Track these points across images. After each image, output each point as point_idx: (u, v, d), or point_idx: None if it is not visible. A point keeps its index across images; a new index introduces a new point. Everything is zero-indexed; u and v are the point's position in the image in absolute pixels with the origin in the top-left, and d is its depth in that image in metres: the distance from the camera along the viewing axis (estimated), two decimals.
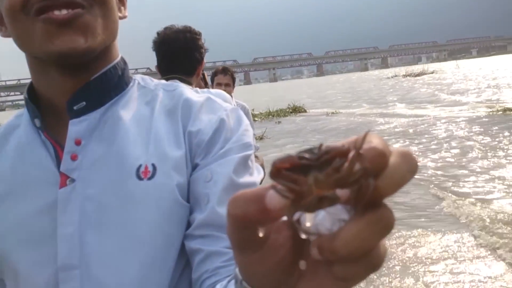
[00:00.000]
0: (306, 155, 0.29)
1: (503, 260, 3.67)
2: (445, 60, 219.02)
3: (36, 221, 0.75)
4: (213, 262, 0.71)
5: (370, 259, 0.30)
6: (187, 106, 0.82)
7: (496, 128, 9.49)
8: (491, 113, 11.77)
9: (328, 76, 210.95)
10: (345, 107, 19.13)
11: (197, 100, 0.83)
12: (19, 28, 0.73)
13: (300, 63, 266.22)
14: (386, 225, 0.29)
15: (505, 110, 11.72)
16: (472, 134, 9.26)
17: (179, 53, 2.17)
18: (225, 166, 0.76)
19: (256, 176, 0.82)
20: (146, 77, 0.90)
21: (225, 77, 3.71)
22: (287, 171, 0.29)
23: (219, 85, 3.63)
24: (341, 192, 0.29)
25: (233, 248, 0.34)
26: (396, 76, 51.36)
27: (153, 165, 0.75)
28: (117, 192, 0.74)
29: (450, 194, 5.54)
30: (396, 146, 8.72)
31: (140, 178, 0.74)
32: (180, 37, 2.18)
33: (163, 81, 0.90)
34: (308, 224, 0.30)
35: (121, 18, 0.82)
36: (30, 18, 0.70)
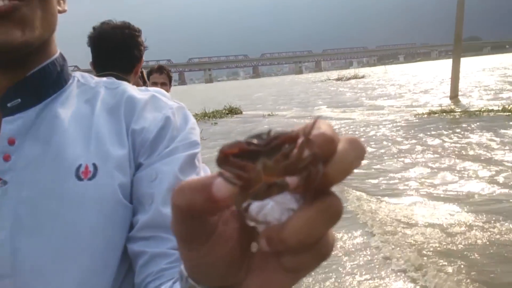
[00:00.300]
0: (255, 141, 0.28)
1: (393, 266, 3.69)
2: (374, 65, 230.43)
3: None
4: (157, 264, 0.69)
5: (320, 248, 0.30)
6: (131, 103, 0.79)
7: (413, 131, 10.05)
8: (416, 116, 12.47)
9: (264, 78, 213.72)
10: (279, 110, 19.50)
11: (141, 97, 0.81)
12: None
13: (236, 65, 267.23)
14: (335, 213, 0.29)
15: (430, 112, 12.46)
16: (391, 136, 9.77)
17: (116, 50, 2.11)
18: (171, 165, 0.74)
19: (203, 175, 0.77)
20: (86, 74, 0.87)
21: (160, 76, 3.65)
22: (234, 157, 0.28)
23: (154, 84, 3.56)
24: (290, 180, 0.28)
25: (178, 242, 0.33)
26: (329, 79, 53.22)
27: (94, 164, 0.72)
28: (54, 194, 0.70)
29: (355, 191, 5.74)
30: None
31: (80, 179, 0.71)
32: (118, 33, 2.11)
33: (104, 79, 0.87)
34: (256, 215, 0.30)
35: (60, 12, 0.79)
36: None
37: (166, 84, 3.66)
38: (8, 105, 0.72)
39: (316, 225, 0.28)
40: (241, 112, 19.61)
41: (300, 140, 0.27)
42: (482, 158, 6.84)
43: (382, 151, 8.33)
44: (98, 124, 0.76)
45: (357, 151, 0.29)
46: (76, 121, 0.76)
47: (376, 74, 60.82)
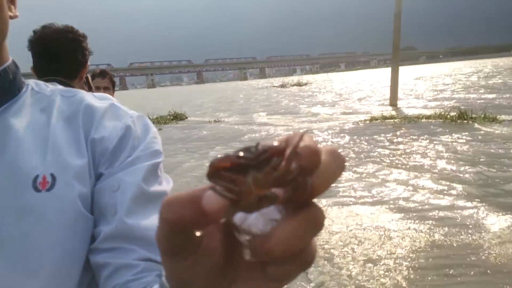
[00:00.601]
0: (244, 154, 0.28)
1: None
2: (317, 72, 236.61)
3: None
4: (122, 276, 0.67)
5: (303, 257, 0.30)
6: (89, 112, 0.78)
7: (356, 136, 10.26)
8: (360, 122, 12.80)
9: (208, 83, 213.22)
10: (221, 116, 19.40)
11: (99, 106, 0.79)
12: None
13: (179, 70, 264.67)
14: (318, 223, 0.29)
15: (372, 119, 12.81)
16: (334, 142, 10.00)
17: (59, 55, 2.02)
18: (134, 175, 0.73)
19: (166, 185, 0.79)
20: (41, 82, 0.84)
21: (103, 80, 3.53)
22: (224, 171, 0.28)
23: (97, 89, 3.39)
24: (277, 192, 0.29)
25: (164, 255, 0.33)
26: (273, 86, 53.94)
27: (52, 175, 0.70)
28: (10, 206, 0.67)
29: None
30: None
31: (37, 190, 0.68)
32: (61, 37, 2.03)
33: (60, 87, 0.84)
34: (240, 226, 0.30)
35: (11, 17, 0.76)
36: None
37: (109, 89, 3.54)
38: None
39: (300, 235, 0.29)
40: (186, 118, 19.32)
41: (287, 153, 0.28)
42: (416, 163, 7.10)
43: None
44: (54, 133, 0.74)
45: (338, 161, 0.30)
46: (31, 131, 0.74)
47: (317, 81, 62.45)
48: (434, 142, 8.65)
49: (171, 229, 0.30)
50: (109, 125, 0.77)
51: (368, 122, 12.50)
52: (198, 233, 0.31)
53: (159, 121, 18.20)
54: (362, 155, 8.07)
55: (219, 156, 0.29)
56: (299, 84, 50.59)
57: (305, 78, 72.46)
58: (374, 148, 8.63)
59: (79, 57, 2.10)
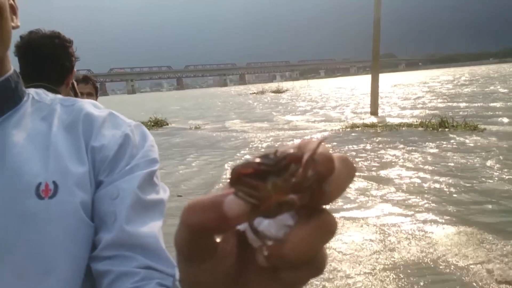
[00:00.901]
0: (264, 161, 0.30)
1: None
2: (297, 79, 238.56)
3: None
4: (123, 283, 0.68)
5: (316, 263, 0.31)
6: (89, 121, 0.79)
7: (336, 143, 10.34)
8: (341, 129, 12.90)
9: (188, 90, 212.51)
10: (203, 123, 19.31)
11: (98, 114, 0.81)
12: None
13: (159, 76, 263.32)
14: (331, 229, 0.30)
15: (352, 126, 12.94)
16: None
17: (46, 60, 2.03)
18: (132, 183, 0.75)
19: (162, 193, 0.80)
20: (41, 91, 0.85)
21: (86, 86, 3.50)
22: (245, 177, 0.29)
23: (80, 95, 3.32)
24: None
25: (181, 258, 0.33)
26: (254, 93, 54.03)
27: (54, 182, 0.71)
28: (14, 213, 0.68)
29: None
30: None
31: (40, 197, 0.70)
32: (48, 42, 2.02)
33: (60, 96, 0.86)
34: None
35: (14, 28, 0.78)
36: None
37: (92, 95, 3.51)
38: None
39: (314, 241, 0.29)
40: (167, 124, 19.15)
41: (304, 160, 0.29)
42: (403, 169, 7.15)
43: None
44: (56, 141, 0.76)
45: (349, 169, 0.31)
46: (33, 139, 0.75)
47: (296, 88, 62.74)
48: (414, 151, 8.73)
49: (192, 234, 0.30)
50: (108, 133, 0.79)
51: (348, 129, 12.58)
52: (217, 238, 0.31)
53: None
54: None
55: (240, 162, 0.30)
56: (278, 91, 50.67)
57: (284, 85, 72.77)
58: (353, 157, 8.67)
59: (66, 63, 2.10)
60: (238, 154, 10.03)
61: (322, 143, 0.30)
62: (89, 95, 3.43)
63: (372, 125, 12.76)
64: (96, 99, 3.56)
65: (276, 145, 10.59)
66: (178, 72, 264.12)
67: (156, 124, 19.09)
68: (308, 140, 0.31)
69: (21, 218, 0.68)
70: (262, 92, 51.25)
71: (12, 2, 0.80)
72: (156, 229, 0.75)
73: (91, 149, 0.76)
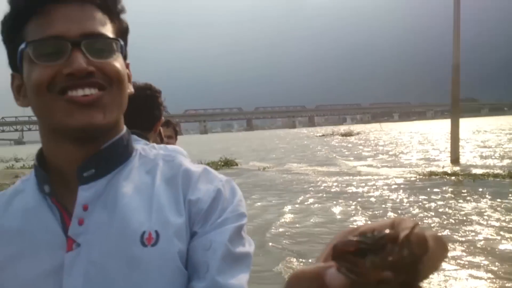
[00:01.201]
0: (364, 240, 0.32)
1: None
2: (368, 122, 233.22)
3: (42, 284, 0.75)
4: None
5: None
6: (187, 176, 0.85)
7: (415, 191, 9.74)
8: (418, 177, 12.22)
9: (257, 131, 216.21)
10: (278, 164, 19.23)
11: (195, 170, 0.87)
12: (41, 102, 0.78)
13: (230, 117, 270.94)
14: None
15: (430, 174, 12.25)
16: (395, 197, 9.45)
17: (138, 110, 2.09)
18: (223, 235, 0.79)
19: (248, 246, 0.83)
20: (146, 147, 0.93)
21: (167, 129, 3.56)
22: (346, 254, 0.32)
23: None
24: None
25: None
26: (321, 135, 53.52)
27: (156, 232, 0.77)
28: (121, 258, 0.75)
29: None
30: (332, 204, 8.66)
31: (144, 245, 0.76)
32: (141, 94, 2.13)
33: (162, 152, 0.93)
34: None
35: (128, 94, 0.87)
36: (54, 95, 0.76)
37: (172, 137, 3.61)
38: (84, 174, 0.80)
39: None
40: (236, 164, 19.35)
41: (400, 239, 0.31)
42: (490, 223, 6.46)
43: (390, 214, 7.95)
44: (158, 193, 0.82)
45: (442, 249, 0.33)
46: (139, 190, 0.83)
47: (368, 131, 61.32)
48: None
49: None
50: (203, 187, 0.84)
51: (426, 178, 11.87)
52: None
53: (211, 167, 18.26)
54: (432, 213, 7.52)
55: (343, 240, 0.33)
56: (346, 134, 49.53)
57: (356, 127, 71.43)
58: (428, 210, 8.04)
59: (156, 112, 2.23)
60: (298, 200, 9.85)
61: (416, 224, 0.32)
62: (169, 138, 3.50)
63: (454, 174, 11.94)
64: (175, 142, 3.60)
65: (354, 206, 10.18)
66: (248, 113, 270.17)
67: (226, 164, 19.34)
68: (402, 218, 0.33)
69: (129, 262, 0.74)
70: (331, 134, 50.58)
71: (128, 71, 0.89)
72: (244, 282, 0.77)
73: (188, 201, 0.81)
